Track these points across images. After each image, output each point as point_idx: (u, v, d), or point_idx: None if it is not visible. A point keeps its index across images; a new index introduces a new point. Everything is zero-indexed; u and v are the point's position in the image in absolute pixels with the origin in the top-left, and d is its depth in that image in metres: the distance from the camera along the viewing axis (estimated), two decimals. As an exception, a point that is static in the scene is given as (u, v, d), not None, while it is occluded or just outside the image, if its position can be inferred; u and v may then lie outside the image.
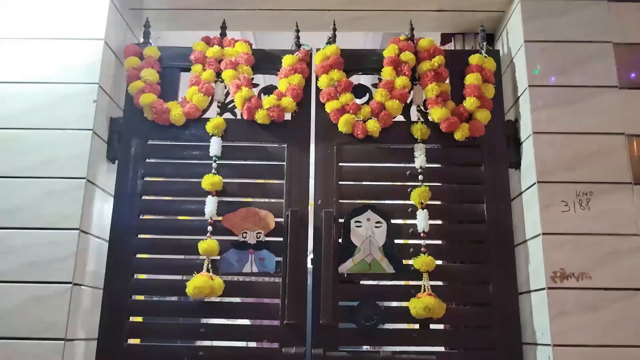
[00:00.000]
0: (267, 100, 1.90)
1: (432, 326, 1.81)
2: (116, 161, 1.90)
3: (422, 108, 1.96)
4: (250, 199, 1.88)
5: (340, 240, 1.81)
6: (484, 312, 1.77)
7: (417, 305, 1.68)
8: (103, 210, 1.84)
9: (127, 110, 1.94)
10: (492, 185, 1.87)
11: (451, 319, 1.75)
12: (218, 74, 1.96)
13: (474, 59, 1.96)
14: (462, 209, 1.88)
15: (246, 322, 1.82)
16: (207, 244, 1.76)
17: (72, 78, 1.80)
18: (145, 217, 1.88)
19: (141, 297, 1.96)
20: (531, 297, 1.73)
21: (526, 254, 1.78)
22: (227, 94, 1.97)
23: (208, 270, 1.75)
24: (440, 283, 1.83)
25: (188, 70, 1.98)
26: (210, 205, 1.81)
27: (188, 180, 1.88)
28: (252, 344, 1.82)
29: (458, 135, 1.88)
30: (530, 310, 1.73)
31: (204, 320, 1.88)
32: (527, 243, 1.78)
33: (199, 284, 1.67)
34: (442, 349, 1.83)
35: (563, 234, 1.66)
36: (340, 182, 1.87)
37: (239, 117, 1.95)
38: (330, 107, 1.91)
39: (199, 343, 1.85)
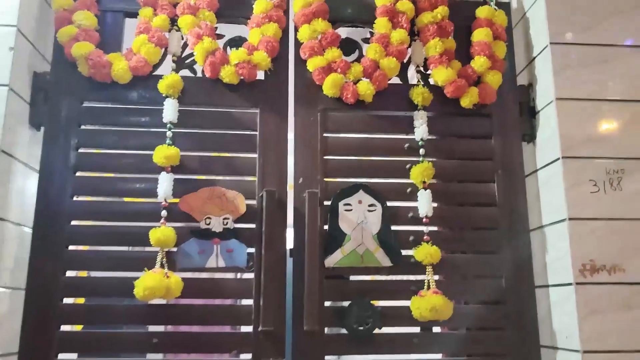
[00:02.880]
0: (235, 55, 1.57)
1: (434, 329, 1.57)
2: (42, 127, 1.53)
3: (421, 69, 1.68)
4: (214, 177, 1.56)
5: (326, 228, 1.53)
6: (496, 312, 1.54)
7: (422, 305, 1.43)
8: (24, 189, 1.47)
9: (56, 62, 1.57)
10: (504, 161, 1.63)
11: (458, 321, 1.50)
12: (173, 21, 1.61)
13: (482, 12, 1.69)
14: (470, 190, 1.63)
15: (212, 329, 1.51)
16: (161, 233, 1.44)
17: (-22, 17, 1.42)
18: (80, 198, 1.53)
19: (77, 300, 1.61)
20: (549, 293, 1.51)
21: (542, 242, 1.55)
22: (185, 45, 1.62)
23: (162, 266, 1.43)
24: (439, 277, 1.58)
25: (135, 15, 1.62)
26: (165, 184, 1.48)
27: (135, 152, 1.54)
28: (225, 356, 1.52)
29: (465, 102, 1.62)
30: (548, 309, 1.51)
31: (158, 329, 1.55)
32: (544, 229, 1.55)
33: (151, 283, 1.35)
34: (439, 356, 1.60)
35: (592, 219, 1.44)
36: (325, 157, 1.58)
37: (199, 74, 1.62)
38: (313, 64, 1.60)
39: (151, 357, 1.53)
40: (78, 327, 1.48)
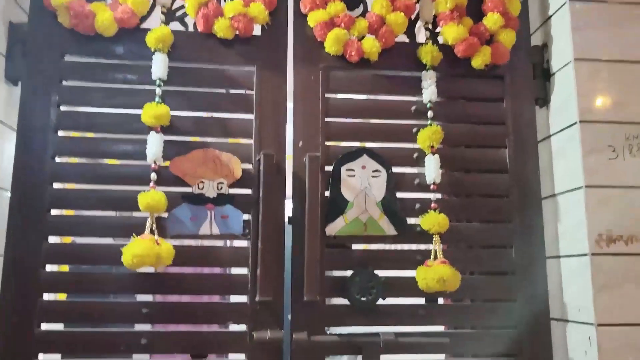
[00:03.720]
0: (230, 7, 1.46)
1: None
2: (19, 83, 1.42)
3: (430, 26, 1.58)
4: (208, 139, 1.47)
5: (327, 194, 1.45)
6: (505, 283, 1.48)
7: (428, 276, 1.36)
8: (1, 149, 1.37)
9: (34, 12, 1.45)
10: (516, 125, 1.55)
11: (465, 292, 1.44)
12: (163, -31, 1.49)
13: (495, -35, 1.59)
14: (480, 155, 1.55)
15: (205, 299, 1.45)
16: (151, 197, 1.35)
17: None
18: (63, 159, 1.43)
19: (59, 268, 1.52)
20: (561, 264, 1.45)
21: (555, 211, 1.49)
22: (176, -5, 1.51)
23: (152, 232, 1.35)
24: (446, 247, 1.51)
25: (120, -39, 1.50)
26: (154, 145, 1.39)
27: (122, 111, 1.43)
28: (213, 328, 1.44)
29: (477, 62, 1.52)
30: (560, 280, 1.45)
31: (147, 299, 1.47)
32: (557, 198, 1.48)
33: (140, 250, 1.27)
34: (441, 328, 1.55)
35: (610, 186, 1.37)
36: (327, 119, 1.49)
37: (191, 28, 1.51)
38: (314, 18, 1.49)
39: (140, 327, 1.44)
40: (62, 296, 1.39)
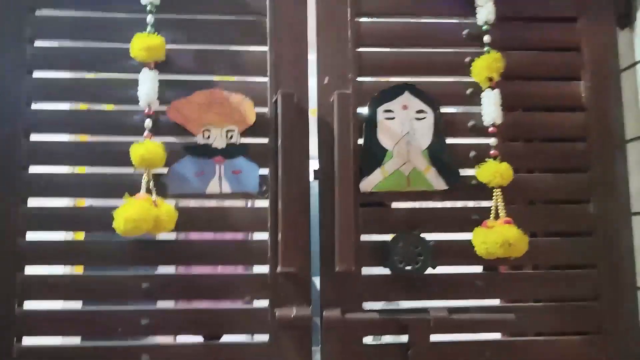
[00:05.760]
0: None
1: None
2: (-18, 13, 1.19)
3: None
4: (213, 77, 1.23)
5: (361, 142, 1.20)
6: (581, 245, 1.23)
7: (489, 239, 1.12)
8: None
9: None
10: (594, 51, 1.28)
11: (530, 257, 1.19)
12: None
13: None
14: (550, 89, 1.28)
15: (216, 271, 1.24)
16: (145, 149, 1.12)
17: None
18: (39, 106, 1.20)
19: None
20: (650, 222, 1.20)
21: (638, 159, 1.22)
22: None
23: (149, 192, 1.13)
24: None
25: None
26: (147, 84, 1.15)
27: (107, 45, 1.20)
28: (224, 305, 1.23)
29: (544, -28, 1.24)
30: (648, 241, 1.20)
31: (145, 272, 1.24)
32: (645, 141, 1.22)
33: (135, 213, 1.05)
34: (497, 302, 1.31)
35: None
36: (358, 49, 1.23)
37: (189, -60, 1.24)
38: None
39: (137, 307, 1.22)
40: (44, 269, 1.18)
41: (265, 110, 1.21)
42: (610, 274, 1.21)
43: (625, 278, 1.21)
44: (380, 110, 1.21)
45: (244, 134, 1.19)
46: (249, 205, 1.27)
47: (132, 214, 1.05)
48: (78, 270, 1.58)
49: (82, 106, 1.29)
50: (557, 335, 1.21)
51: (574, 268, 1.23)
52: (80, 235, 1.52)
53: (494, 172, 1.17)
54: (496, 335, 1.27)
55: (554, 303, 1.22)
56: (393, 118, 1.21)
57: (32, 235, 1.16)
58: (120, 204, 1.07)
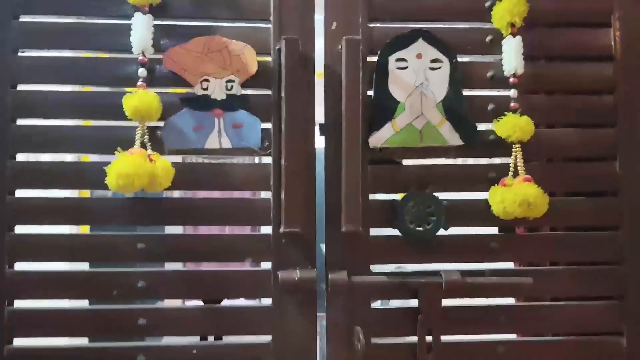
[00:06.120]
0: None
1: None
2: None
3: None
4: (212, 22, 1.14)
5: (370, 93, 1.12)
6: (606, 205, 1.16)
7: (507, 198, 1.05)
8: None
9: None
10: (626, -4, 1.17)
11: (552, 219, 1.12)
12: None
13: None
14: (577, 36, 1.18)
15: (216, 231, 1.17)
16: (139, 100, 1.04)
17: None
18: (27, 53, 1.12)
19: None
20: (681, 181, 1.12)
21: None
22: None
23: (143, 146, 1.06)
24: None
25: None
26: (141, 30, 1.06)
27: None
28: (228, 267, 1.18)
29: None
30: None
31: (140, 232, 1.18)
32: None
33: (129, 169, 0.98)
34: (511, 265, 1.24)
35: None
36: (369, -9, 1.14)
37: None
38: None
39: (131, 269, 1.16)
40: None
41: (268, 59, 1.12)
42: (635, 237, 1.14)
43: (653, 241, 1.14)
44: (392, 58, 1.12)
45: (244, 84, 1.11)
46: (250, 160, 1.20)
47: (124, 169, 0.99)
48: (73, 230, 1.53)
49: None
50: (577, 301, 1.14)
51: (597, 230, 1.16)
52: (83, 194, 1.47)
53: (513, 126, 1.09)
54: (511, 301, 1.21)
55: (574, 267, 1.15)
56: (406, 67, 1.12)
57: (21, 193, 1.10)
58: (113, 160, 1.01)
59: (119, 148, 1.03)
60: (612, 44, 1.16)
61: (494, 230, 1.16)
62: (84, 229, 1.53)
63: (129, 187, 0.99)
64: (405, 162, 1.17)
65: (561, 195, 1.18)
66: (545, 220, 1.12)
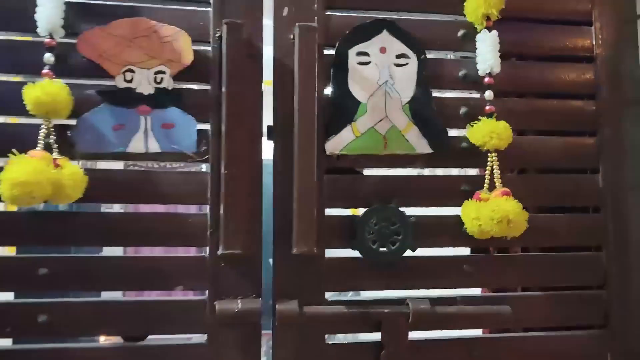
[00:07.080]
0: None
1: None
2: None
3: None
4: (137, 3, 0.96)
5: (328, 92, 0.97)
6: (588, 223, 1.04)
7: (483, 214, 0.91)
8: None
9: None
10: (607, -7, 1.08)
11: (526, 238, 0.99)
12: None
13: None
14: (556, 35, 1.07)
15: (139, 252, 0.99)
16: (43, 91, 0.85)
17: None
18: None
19: None
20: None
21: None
22: None
23: (48, 148, 0.86)
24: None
25: None
26: (48, 7, 0.87)
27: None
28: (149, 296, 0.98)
29: None
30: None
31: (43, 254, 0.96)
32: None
33: (26, 175, 0.79)
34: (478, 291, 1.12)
35: None
36: (326, -26, 0.99)
37: None
38: None
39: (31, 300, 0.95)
40: None
41: (206, 47, 0.95)
42: (619, 258, 1.03)
43: (638, 262, 1.03)
44: (352, 52, 0.98)
45: (178, 77, 0.94)
46: (183, 168, 1.02)
47: (22, 175, 0.79)
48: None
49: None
50: (556, 330, 1.02)
51: (578, 250, 1.04)
52: None
53: (489, 132, 0.96)
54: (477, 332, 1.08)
55: (552, 292, 1.03)
56: (368, 63, 0.98)
57: None
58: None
59: (13, 150, 0.83)
60: (593, 42, 1.07)
61: (466, 250, 1.03)
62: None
63: (25, 199, 0.80)
64: (367, 171, 1.02)
65: (535, 211, 1.06)
66: (520, 240, 0.99)
